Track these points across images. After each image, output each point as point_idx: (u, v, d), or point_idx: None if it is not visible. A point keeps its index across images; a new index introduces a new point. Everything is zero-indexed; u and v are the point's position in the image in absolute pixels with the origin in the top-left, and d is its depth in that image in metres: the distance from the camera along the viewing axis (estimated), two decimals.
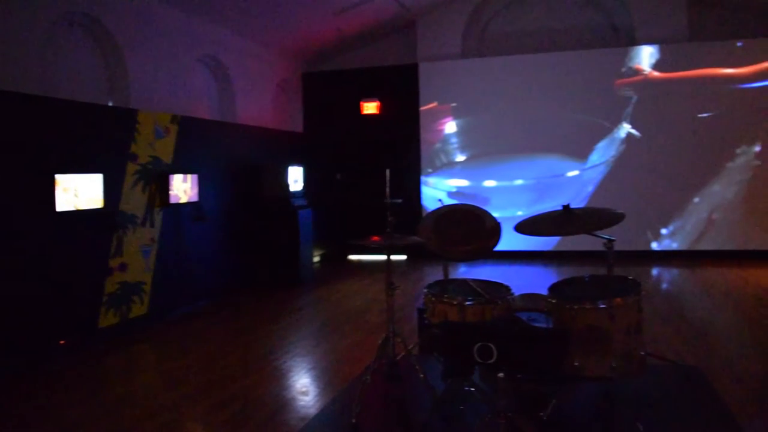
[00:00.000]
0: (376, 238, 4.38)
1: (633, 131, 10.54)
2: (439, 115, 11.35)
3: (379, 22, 11.05)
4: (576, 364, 3.70)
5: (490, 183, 11.14)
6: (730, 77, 10.13)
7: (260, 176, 9.34)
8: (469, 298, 4.03)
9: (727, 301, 7.48)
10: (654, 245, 10.59)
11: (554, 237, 10.60)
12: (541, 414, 3.75)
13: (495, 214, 4.82)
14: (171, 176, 7.39)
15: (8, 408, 4.64)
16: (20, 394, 4.93)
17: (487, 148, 11.15)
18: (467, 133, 11.23)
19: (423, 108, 11.40)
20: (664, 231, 10.54)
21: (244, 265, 9.13)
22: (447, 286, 4.43)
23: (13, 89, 5.63)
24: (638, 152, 10.52)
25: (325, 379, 5.17)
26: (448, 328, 3.42)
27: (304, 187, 9.83)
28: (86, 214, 6.17)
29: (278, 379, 5.15)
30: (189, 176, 7.72)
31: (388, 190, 4.70)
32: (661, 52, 10.37)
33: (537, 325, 4.00)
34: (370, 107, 11.62)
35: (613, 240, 4.03)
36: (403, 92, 11.44)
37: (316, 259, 11.03)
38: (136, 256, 6.97)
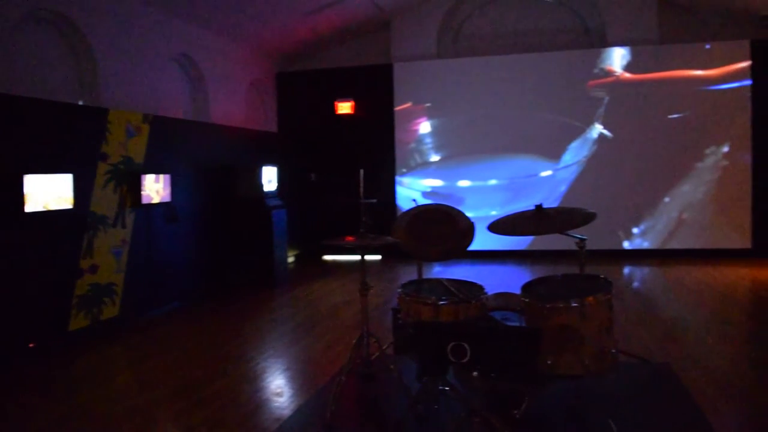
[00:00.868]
0: (350, 238, 4.38)
1: (605, 132, 10.68)
2: (413, 116, 11.38)
3: (354, 21, 11.04)
4: (549, 362, 3.73)
5: (464, 183, 11.19)
6: (699, 79, 10.30)
7: (234, 176, 9.27)
8: (443, 298, 4.04)
9: (696, 298, 7.61)
10: (626, 244, 10.73)
11: (527, 236, 10.70)
12: (515, 412, 3.78)
13: (469, 214, 4.85)
14: (143, 176, 7.30)
15: None
16: None
17: (461, 148, 11.21)
18: (442, 134, 11.28)
19: (398, 108, 11.42)
20: (635, 230, 10.68)
21: (218, 266, 9.05)
22: (421, 285, 4.44)
23: None
24: (610, 152, 10.66)
25: (300, 379, 5.15)
26: (422, 327, 3.43)
27: (278, 187, 9.78)
28: (56, 215, 6.07)
29: (253, 381, 5.12)
30: (161, 176, 7.64)
31: (362, 190, 4.70)
32: (632, 53, 10.52)
33: (510, 324, 4.03)
34: (344, 107, 11.60)
35: (584, 239, 4.08)
36: (377, 92, 11.45)
37: (290, 259, 10.99)
38: (108, 258, 6.87)
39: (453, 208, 4.88)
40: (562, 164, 10.86)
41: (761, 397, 4.32)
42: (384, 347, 4.79)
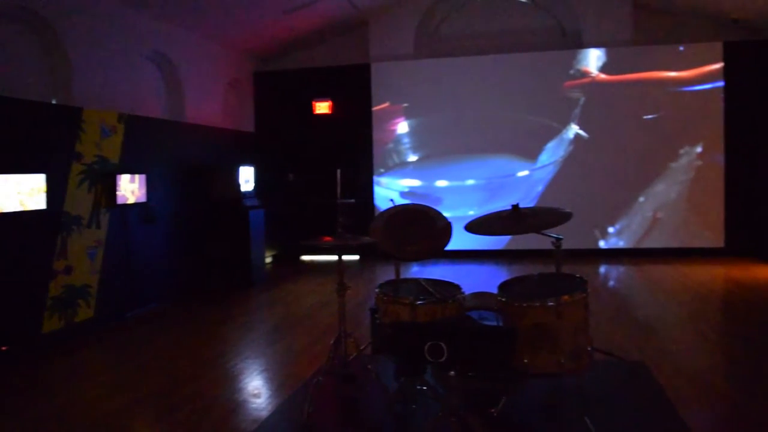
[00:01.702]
0: (327, 238, 4.37)
1: (581, 132, 10.77)
2: (391, 116, 11.38)
3: (331, 21, 11.01)
4: (525, 361, 3.76)
5: (442, 183, 11.23)
6: (674, 80, 10.44)
7: (211, 176, 9.21)
8: (421, 298, 4.05)
9: (670, 297, 7.71)
10: (602, 243, 10.84)
11: (505, 236, 10.76)
12: (492, 411, 3.81)
13: (447, 214, 4.86)
14: (118, 176, 7.22)
15: None
16: None
17: (439, 148, 11.24)
18: (419, 134, 11.30)
19: (375, 108, 11.42)
20: (611, 229, 10.80)
21: (195, 267, 8.98)
22: (399, 285, 4.45)
23: None
24: (586, 153, 10.76)
25: (278, 380, 5.13)
26: (400, 327, 3.44)
27: (255, 187, 9.73)
28: (28, 216, 5.98)
29: (230, 382, 5.08)
30: (137, 176, 7.56)
31: (339, 190, 4.70)
32: (608, 55, 10.63)
33: (487, 323, 4.05)
34: (322, 107, 11.58)
35: (561, 239, 4.11)
36: (355, 92, 11.44)
37: (268, 260, 10.94)
38: (82, 259, 6.79)
39: (430, 208, 4.89)
40: (538, 164, 10.93)
41: (734, 394, 4.39)
42: (362, 347, 4.79)
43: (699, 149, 10.45)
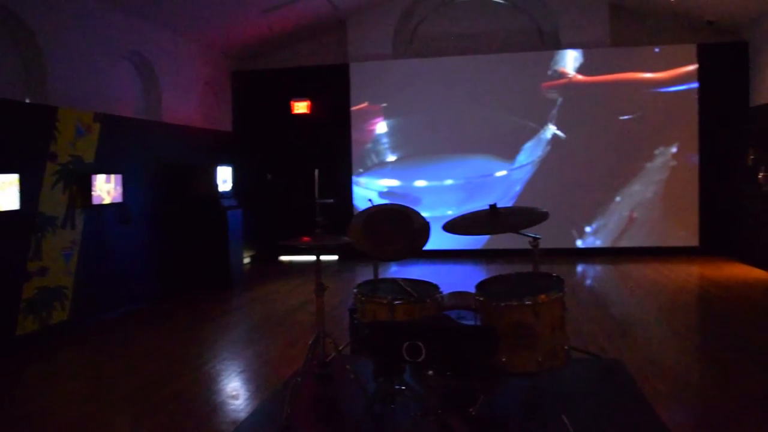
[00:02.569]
0: (306, 238, 4.36)
1: (558, 132, 10.86)
2: (369, 115, 11.38)
3: (310, 21, 10.99)
4: (503, 360, 3.78)
5: (420, 183, 11.25)
6: (649, 81, 10.57)
7: (188, 176, 9.14)
8: (399, 298, 4.05)
9: (646, 295, 7.80)
10: (579, 243, 10.94)
11: (483, 236, 10.81)
12: (471, 410, 3.82)
13: (425, 214, 4.88)
14: (93, 176, 7.14)
15: None
16: None
17: (417, 148, 11.26)
18: (398, 134, 11.31)
19: (354, 108, 11.41)
20: (588, 229, 10.90)
21: (172, 268, 8.90)
22: (377, 285, 4.45)
23: None
24: (563, 153, 10.84)
25: (256, 381, 5.10)
26: (377, 327, 3.43)
27: (233, 187, 9.67)
28: (1, 216, 5.88)
29: (208, 383, 5.05)
30: (113, 176, 7.48)
31: (317, 190, 4.69)
32: (585, 56, 10.73)
33: (465, 322, 4.06)
34: (300, 107, 11.54)
35: (538, 238, 4.14)
36: (334, 92, 11.42)
37: (246, 260, 10.89)
38: (57, 260, 6.70)
39: (408, 208, 4.90)
40: (516, 164, 11.00)
41: (709, 391, 4.45)
42: (340, 348, 4.79)
43: (674, 149, 10.58)
